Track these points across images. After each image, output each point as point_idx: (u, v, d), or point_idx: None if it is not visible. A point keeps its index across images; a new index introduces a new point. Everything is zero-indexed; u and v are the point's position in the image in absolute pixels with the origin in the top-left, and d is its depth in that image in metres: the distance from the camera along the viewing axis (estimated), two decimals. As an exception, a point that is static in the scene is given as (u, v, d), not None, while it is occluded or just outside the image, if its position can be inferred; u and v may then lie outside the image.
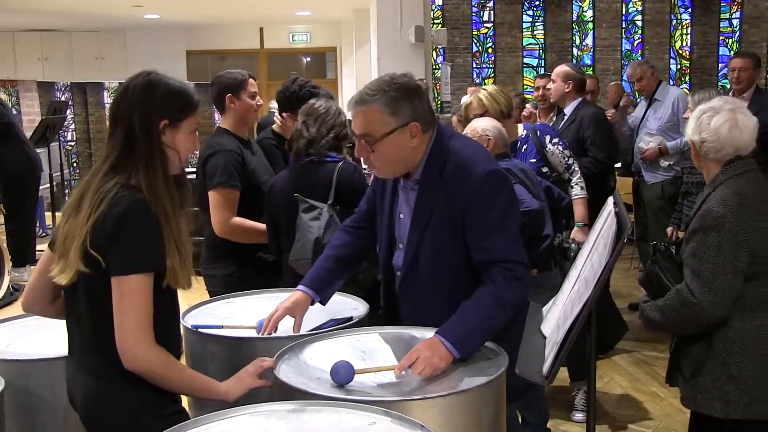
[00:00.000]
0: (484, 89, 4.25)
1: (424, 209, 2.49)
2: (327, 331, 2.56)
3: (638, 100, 7.27)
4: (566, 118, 5.24)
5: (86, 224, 1.99)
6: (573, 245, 3.94)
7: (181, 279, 2.09)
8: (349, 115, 2.73)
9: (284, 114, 4.12)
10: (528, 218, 3.38)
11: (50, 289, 2.22)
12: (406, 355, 2.21)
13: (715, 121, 2.65)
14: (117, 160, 2.07)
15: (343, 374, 2.13)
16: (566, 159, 4.31)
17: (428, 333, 2.39)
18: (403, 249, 2.57)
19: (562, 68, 5.44)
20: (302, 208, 3.25)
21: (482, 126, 3.70)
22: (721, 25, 16.56)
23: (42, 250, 7.16)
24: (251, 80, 3.70)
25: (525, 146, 4.20)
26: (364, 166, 3.07)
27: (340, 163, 3.34)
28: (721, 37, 16.57)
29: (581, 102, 5.26)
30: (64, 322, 2.24)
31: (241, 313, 2.85)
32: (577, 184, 4.36)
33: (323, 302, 2.68)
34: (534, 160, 4.15)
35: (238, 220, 3.53)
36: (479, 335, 2.31)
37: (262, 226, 3.54)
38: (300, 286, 2.64)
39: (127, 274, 1.98)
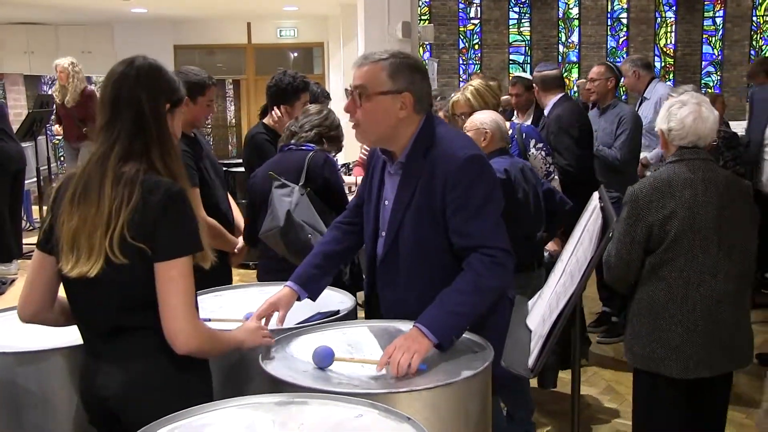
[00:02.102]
0: (472, 86, 4.24)
1: (406, 192, 2.49)
2: (314, 325, 2.56)
3: (623, 97, 7.13)
4: (543, 117, 5.21)
5: (120, 215, 1.94)
6: (545, 254, 3.98)
7: (208, 257, 2.09)
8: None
9: (282, 108, 4.15)
10: None
11: (49, 295, 2.19)
12: (385, 350, 2.20)
13: (682, 112, 2.95)
14: (129, 146, 2.02)
15: (322, 358, 2.18)
16: (547, 165, 4.26)
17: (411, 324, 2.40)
18: (385, 234, 2.57)
19: (534, 74, 5.35)
20: (275, 185, 3.37)
21: (480, 119, 3.73)
22: (705, 24, 16.65)
23: (30, 244, 7.16)
24: (213, 89, 3.65)
25: (509, 146, 4.20)
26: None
27: (312, 152, 3.48)
28: (704, 36, 16.65)
29: (557, 101, 5.11)
30: None
31: (229, 306, 2.85)
32: None
33: (312, 298, 2.66)
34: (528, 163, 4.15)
35: (211, 219, 3.52)
36: (457, 321, 2.30)
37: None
38: (288, 282, 2.63)
39: (175, 258, 1.97)
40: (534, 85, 5.15)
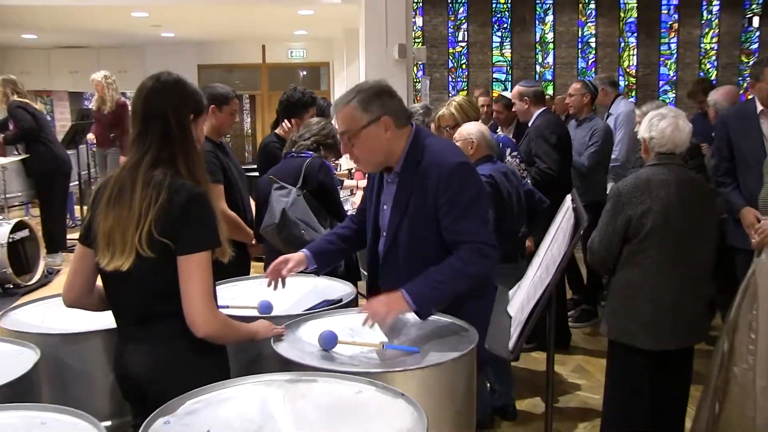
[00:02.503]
0: (455, 101, 4.21)
1: (402, 198, 2.47)
2: (319, 311, 2.54)
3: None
4: (527, 129, 5.14)
5: (148, 214, 1.92)
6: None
7: (226, 252, 2.07)
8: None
9: (292, 120, 4.18)
10: None
11: (88, 282, 2.17)
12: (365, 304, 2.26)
13: (662, 123, 3.00)
14: (158, 154, 2.00)
15: (327, 341, 2.18)
16: (521, 171, 4.21)
17: (410, 312, 2.39)
18: (385, 235, 2.56)
19: (516, 89, 5.15)
20: (275, 187, 3.40)
21: (467, 131, 3.73)
22: (661, 48, 16.71)
23: (73, 239, 7.17)
24: (236, 100, 3.68)
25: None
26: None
27: (309, 158, 3.50)
28: (661, 59, 16.72)
29: (540, 113, 5.00)
30: None
31: (244, 295, 2.83)
32: None
33: (319, 268, 2.65)
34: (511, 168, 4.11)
35: (231, 213, 3.51)
36: (436, 295, 2.31)
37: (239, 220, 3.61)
38: (304, 249, 2.65)
39: (195, 252, 1.95)
40: (526, 97, 5.01)
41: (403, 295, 2.25)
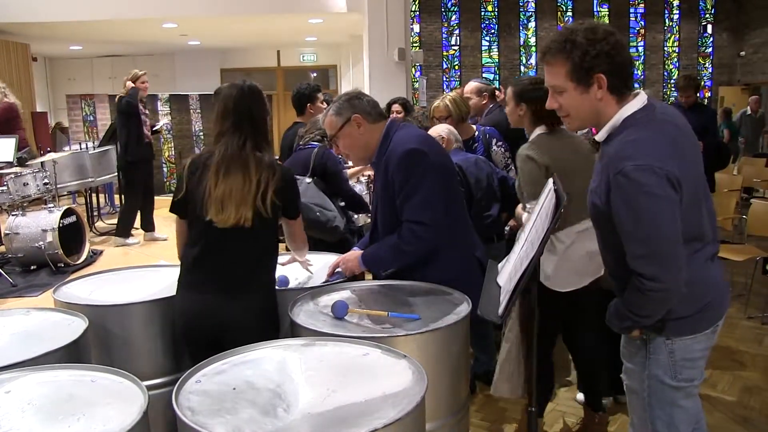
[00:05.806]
0: (449, 96, 4.14)
1: (377, 184, 2.58)
2: (332, 284, 2.54)
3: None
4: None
5: (267, 184, 2.20)
6: (507, 229, 3.96)
7: None
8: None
9: (308, 107, 4.40)
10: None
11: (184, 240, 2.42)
12: (333, 262, 2.58)
13: None
14: (255, 141, 2.26)
15: (339, 309, 2.20)
16: (506, 159, 4.13)
17: (406, 283, 2.40)
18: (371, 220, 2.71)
19: (475, 85, 4.71)
20: None
21: (438, 131, 3.71)
22: (630, 51, 16.58)
23: (111, 223, 7.18)
24: None
25: (476, 144, 4.09)
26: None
27: (315, 149, 3.60)
28: (630, 60, 16.68)
29: (491, 108, 4.66)
30: (130, 277, 2.39)
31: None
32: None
33: None
34: (482, 157, 4.05)
35: None
36: (380, 263, 2.54)
37: None
38: (354, 248, 2.76)
39: (299, 216, 2.43)
40: (485, 93, 4.70)
41: (360, 258, 2.53)
